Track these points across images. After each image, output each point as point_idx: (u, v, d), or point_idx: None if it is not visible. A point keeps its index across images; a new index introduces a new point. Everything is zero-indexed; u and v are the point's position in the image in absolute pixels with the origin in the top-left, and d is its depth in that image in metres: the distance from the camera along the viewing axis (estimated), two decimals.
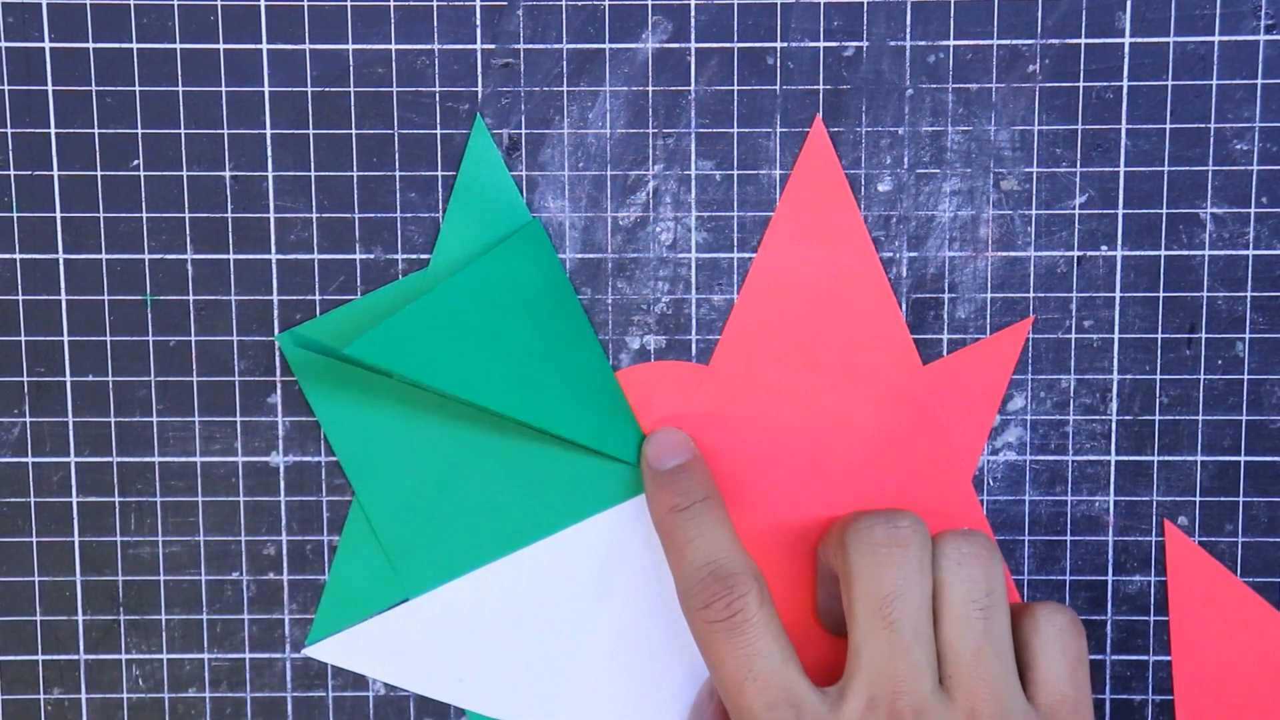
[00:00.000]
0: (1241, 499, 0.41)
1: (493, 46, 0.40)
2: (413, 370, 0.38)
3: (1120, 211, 0.40)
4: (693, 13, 0.40)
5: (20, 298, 0.41)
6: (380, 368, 0.38)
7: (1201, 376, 0.41)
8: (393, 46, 0.40)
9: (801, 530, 0.41)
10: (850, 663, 0.36)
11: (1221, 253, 0.40)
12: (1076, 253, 0.40)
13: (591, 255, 0.41)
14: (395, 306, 0.40)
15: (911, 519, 0.36)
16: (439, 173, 0.40)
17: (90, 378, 0.41)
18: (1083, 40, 0.40)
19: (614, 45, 0.40)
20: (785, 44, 0.40)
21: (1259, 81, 0.40)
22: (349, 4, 0.40)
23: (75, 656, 0.42)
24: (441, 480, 0.41)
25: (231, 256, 0.41)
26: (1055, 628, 0.37)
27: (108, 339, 0.41)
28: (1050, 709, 0.36)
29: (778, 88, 0.40)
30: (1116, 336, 0.41)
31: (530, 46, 0.40)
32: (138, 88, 0.40)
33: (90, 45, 0.40)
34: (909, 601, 0.36)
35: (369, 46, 0.40)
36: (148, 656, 0.42)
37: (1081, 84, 0.40)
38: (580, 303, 0.40)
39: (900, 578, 0.36)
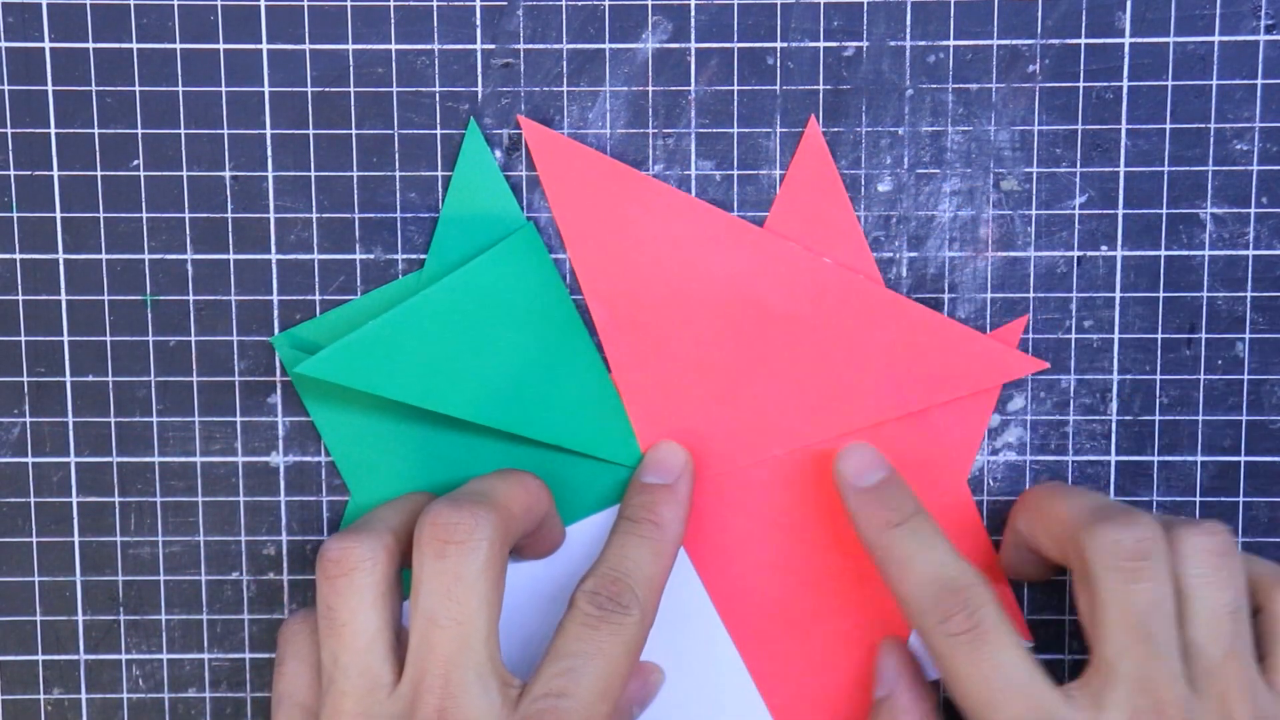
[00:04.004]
0: (1241, 499, 0.41)
1: (493, 46, 0.40)
2: (372, 385, 0.38)
3: (1120, 211, 0.40)
4: (693, 13, 0.40)
5: (20, 298, 0.41)
6: (349, 385, 0.38)
7: (1201, 376, 0.41)
8: (393, 46, 0.40)
9: (799, 532, 0.41)
10: (1104, 674, 0.35)
11: (1221, 253, 0.40)
12: (1076, 253, 0.40)
13: None
14: (391, 308, 0.40)
15: (1150, 524, 0.35)
16: (439, 173, 0.40)
17: (90, 378, 0.41)
18: (1083, 40, 0.40)
19: (614, 45, 0.40)
20: (785, 44, 0.40)
21: (1259, 81, 0.40)
22: (349, 4, 0.40)
23: (75, 656, 0.42)
24: (437, 482, 0.41)
25: (231, 256, 0.41)
26: None
27: (108, 339, 0.41)
28: None
29: (778, 88, 0.40)
30: (1116, 336, 0.41)
31: (530, 46, 0.40)
32: (138, 88, 0.40)
33: (90, 45, 0.40)
34: (1163, 612, 0.35)
35: (369, 46, 0.40)
36: (148, 656, 0.42)
37: (1081, 84, 0.40)
38: (575, 306, 0.40)
39: (1153, 591, 0.35)
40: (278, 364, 0.41)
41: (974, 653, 0.35)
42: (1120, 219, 0.40)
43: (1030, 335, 0.41)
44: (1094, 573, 0.35)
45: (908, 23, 0.40)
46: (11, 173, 0.40)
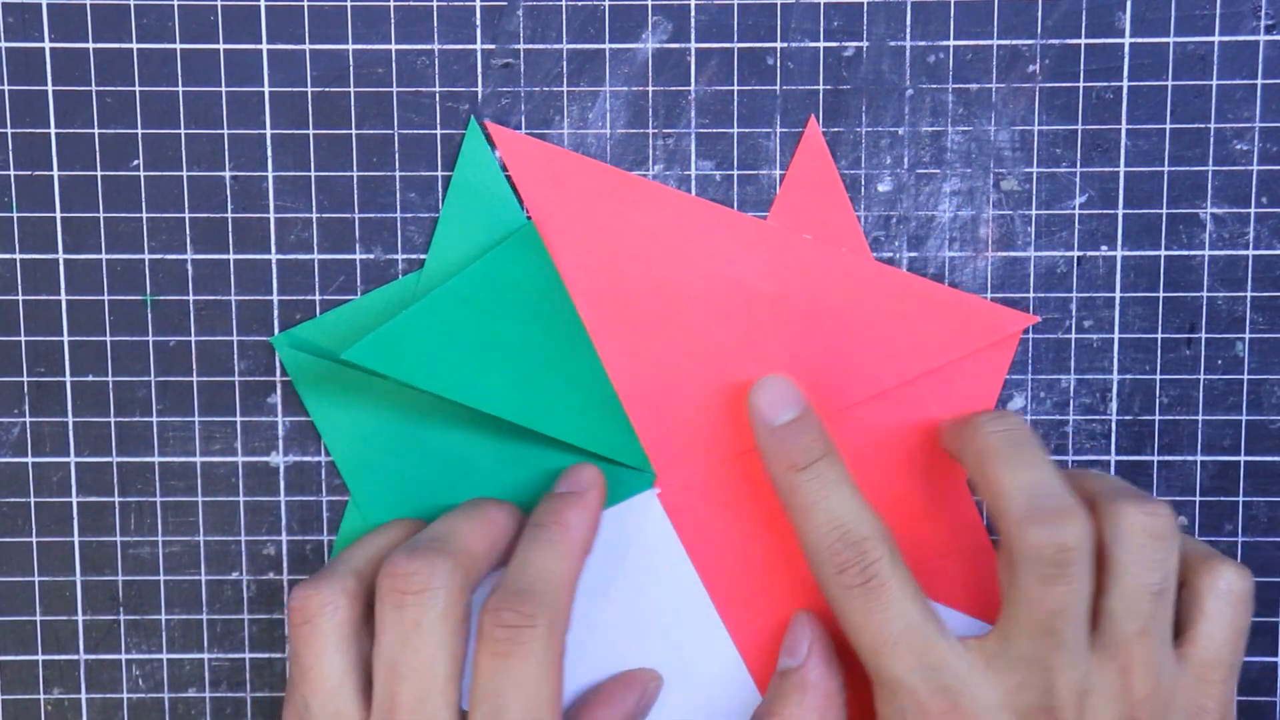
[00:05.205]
0: (1241, 499, 0.41)
1: (493, 46, 0.40)
2: (408, 375, 0.38)
3: (1120, 211, 0.40)
4: (693, 13, 0.40)
5: (20, 298, 0.41)
6: (376, 372, 0.38)
7: (1201, 376, 0.41)
8: (393, 46, 0.40)
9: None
10: (1002, 641, 0.36)
11: (1221, 253, 0.40)
12: (1076, 253, 0.40)
13: None
14: (390, 308, 0.40)
15: (1078, 528, 0.35)
16: (439, 173, 0.40)
17: (90, 378, 0.41)
18: (1083, 40, 0.40)
19: (614, 45, 0.40)
20: (785, 44, 0.40)
21: (1259, 81, 0.40)
22: (349, 4, 0.40)
23: (75, 656, 0.42)
24: (437, 482, 0.41)
25: (231, 256, 0.41)
26: (1234, 594, 0.37)
27: (108, 339, 0.41)
28: (1203, 668, 0.36)
29: (777, 88, 0.40)
30: (1116, 336, 0.41)
31: (530, 46, 0.40)
32: (138, 88, 0.40)
33: (90, 45, 0.40)
34: (1073, 614, 0.35)
35: (369, 46, 0.40)
36: (148, 656, 0.42)
37: (1081, 84, 0.40)
38: (566, 290, 0.40)
39: (1066, 596, 0.35)
40: (278, 364, 0.41)
41: (867, 604, 0.36)
42: (1120, 219, 0.40)
43: (1030, 335, 0.41)
44: (1015, 562, 0.36)
45: (908, 23, 0.40)
46: (11, 173, 0.40)
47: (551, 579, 0.36)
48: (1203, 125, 0.40)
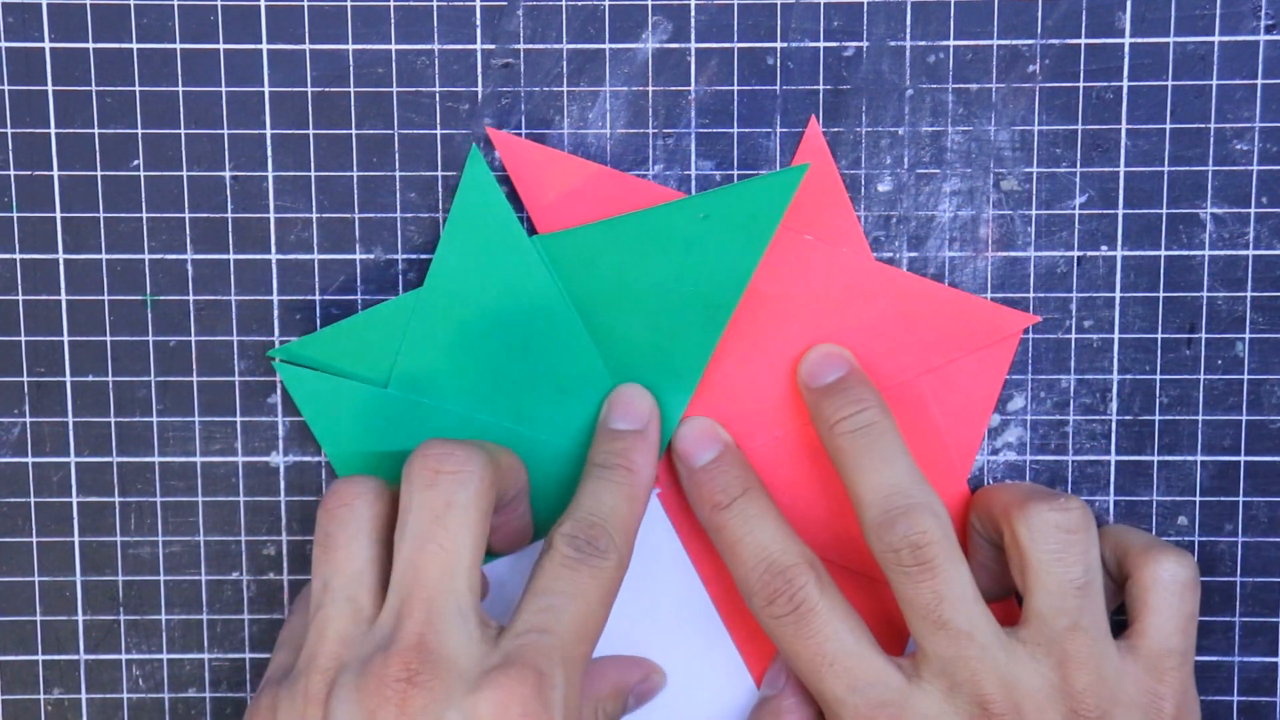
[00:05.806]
0: (1241, 499, 0.41)
1: (493, 46, 0.40)
2: (411, 388, 0.39)
3: (1120, 211, 0.40)
4: (693, 13, 0.40)
5: (20, 298, 0.41)
6: (377, 384, 0.38)
7: (1201, 376, 0.41)
8: (393, 46, 0.40)
9: (798, 534, 0.41)
10: (920, 650, 0.37)
11: (1221, 253, 0.40)
12: (1076, 253, 0.40)
13: None
14: (388, 326, 0.40)
15: (928, 520, 0.36)
16: (439, 173, 0.40)
17: (90, 378, 0.41)
18: (1083, 40, 0.40)
19: (614, 45, 0.40)
20: (785, 44, 0.40)
21: (1259, 81, 0.40)
22: (349, 4, 0.40)
23: (75, 656, 0.42)
24: None
25: (231, 256, 0.41)
26: (1177, 583, 0.37)
27: (108, 339, 0.41)
28: (1155, 658, 0.37)
29: (778, 88, 0.40)
30: (1116, 336, 0.41)
31: (530, 46, 0.40)
32: (138, 88, 0.40)
33: (90, 45, 0.40)
34: (959, 605, 0.36)
35: (369, 46, 0.40)
36: (148, 656, 0.42)
37: (1081, 84, 0.40)
38: (577, 314, 0.40)
39: (939, 584, 0.36)
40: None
41: (799, 630, 0.37)
42: (1120, 219, 0.40)
43: (1030, 335, 0.41)
44: (883, 570, 0.37)
45: (908, 23, 0.40)
46: (11, 173, 0.40)
47: (621, 521, 0.37)
48: (1203, 125, 0.40)
